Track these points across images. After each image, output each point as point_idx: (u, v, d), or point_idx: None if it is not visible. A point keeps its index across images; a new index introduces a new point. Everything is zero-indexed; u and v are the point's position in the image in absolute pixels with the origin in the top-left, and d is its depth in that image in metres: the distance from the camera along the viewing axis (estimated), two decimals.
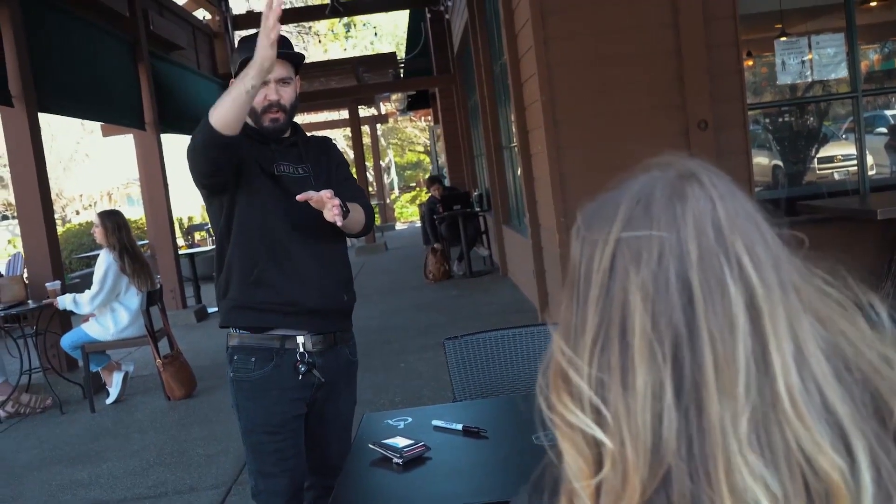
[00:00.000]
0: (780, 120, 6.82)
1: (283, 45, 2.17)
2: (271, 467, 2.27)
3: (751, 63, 6.56)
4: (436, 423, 2.04)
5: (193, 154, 2.10)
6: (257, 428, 2.28)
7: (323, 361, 2.30)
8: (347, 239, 2.45)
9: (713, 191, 0.70)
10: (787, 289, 0.67)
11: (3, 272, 9.93)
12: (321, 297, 2.28)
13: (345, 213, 2.12)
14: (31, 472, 4.61)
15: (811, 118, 6.82)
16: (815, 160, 6.91)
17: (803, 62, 5.85)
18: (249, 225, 2.24)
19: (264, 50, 1.93)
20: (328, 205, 2.07)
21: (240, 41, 2.31)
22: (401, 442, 1.90)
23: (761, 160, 6.91)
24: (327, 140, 2.51)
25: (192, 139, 2.10)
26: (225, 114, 2.01)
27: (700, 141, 5.35)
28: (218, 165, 2.12)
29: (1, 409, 5.83)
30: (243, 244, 2.25)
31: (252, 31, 2.28)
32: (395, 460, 1.83)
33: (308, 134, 2.46)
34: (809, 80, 6.09)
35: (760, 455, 0.62)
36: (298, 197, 2.08)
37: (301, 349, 2.26)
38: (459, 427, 1.99)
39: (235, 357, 2.30)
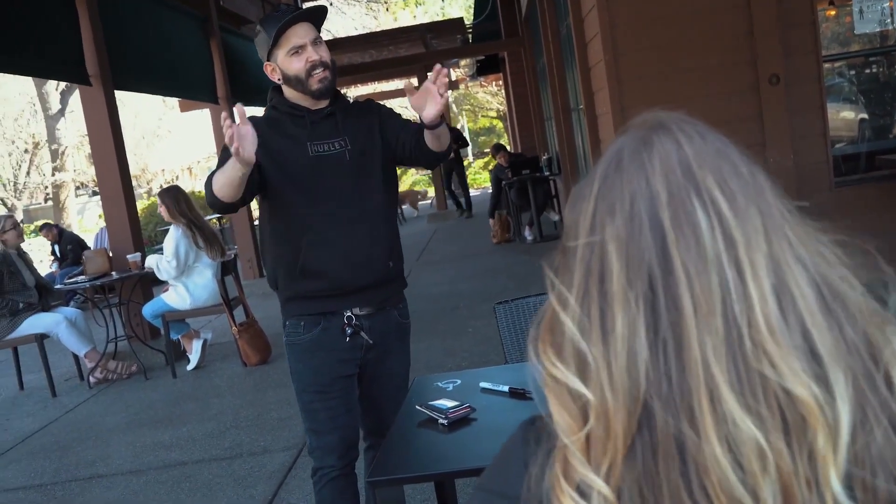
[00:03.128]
0: (867, 71, 6.52)
1: (293, 10, 2.27)
2: (323, 425, 2.35)
3: (833, 13, 6.27)
4: (483, 384, 2.07)
5: (210, 205, 2.22)
6: (308, 388, 2.36)
7: (370, 324, 2.36)
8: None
9: (679, 134, 0.72)
10: (770, 219, 0.68)
11: (92, 245, 10.42)
12: (368, 273, 2.31)
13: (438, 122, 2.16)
14: (117, 435, 4.86)
15: None
16: None
17: (883, 9, 5.57)
18: (287, 218, 2.30)
19: (234, 154, 1.97)
20: (435, 87, 2.07)
21: (260, 20, 2.35)
22: (447, 403, 1.94)
23: (846, 114, 6.64)
24: (370, 102, 2.49)
25: (205, 190, 2.22)
26: (222, 190, 2.14)
27: (771, 97, 5.17)
28: (236, 206, 2.23)
29: (91, 376, 6.14)
30: (282, 237, 2.32)
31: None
32: (441, 421, 1.87)
33: (351, 99, 2.48)
34: (891, 27, 5.79)
35: (739, 387, 0.62)
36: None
37: (349, 313, 2.33)
38: (506, 388, 2.02)
39: (287, 323, 2.40)
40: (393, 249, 2.40)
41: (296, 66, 2.25)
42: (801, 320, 0.64)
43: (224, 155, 2.23)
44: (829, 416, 0.61)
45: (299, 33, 2.24)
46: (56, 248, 10.76)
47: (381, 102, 2.52)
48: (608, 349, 0.67)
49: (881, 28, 5.71)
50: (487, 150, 30.13)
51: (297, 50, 2.24)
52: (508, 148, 13.61)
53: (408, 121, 2.44)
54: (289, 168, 2.28)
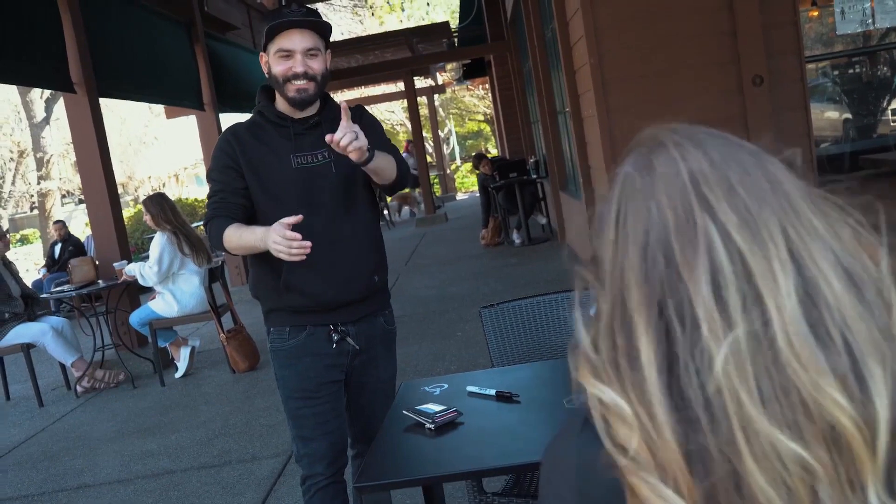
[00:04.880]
0: (849, 72, 6.56)
1: (309, 14, 2.22)
2: (310, 432, 2.32)
3: (816, 13, 6.31)
4: (470, 388, 2.07)
5: (215, 247, 2.30)
6: (294, 394, 2.33)
7: (357, 330, 2.35)
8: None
9: (676, 151, 0.72)
10: (788, 215, 0.66)
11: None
12: (352, 290, 2.31)
13: (369, 155, 2.12)
14: (105, 444, 4.83)
15: (882, 69, 6.54)
16: (889, 112, 6.64)
17: (864, 9, 5.61)
18: None
19: (273, 245, 2.00)
20: (343, 145, 2.05)
21: (267, 14, 2.33)
22: (434, 408, 1.94)
23: (830, 114, 6.68)
24: (357, 109, 2.43)
25: (207, 230, 2.26)
26: (236, 251, 2.22)
27: (755, 97, 5.20)
28: None
29: (78, 385, 6.10)
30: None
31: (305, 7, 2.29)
32: (428, 426, 1.87)
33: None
34: (872, 28, 5.83)
35: (772, 404, 0.61)
36: (328, 138, 2.07)
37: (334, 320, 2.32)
38: (493, 392, 2.01)
39: (272, 330, 2.37)
40: (378, 263, 2.39)
41: (280, 67, 2.23)
42: (833, 317, 0.62)
43: (222, 178, 2.26)
44: (865, 419, 0.60)
45: (293, 39, 2.21)
46: (57, 248, 10.82)
47: (367, 108, 2.50)
48: (636, 374, 0.67)
49: (863, 28, 5.76)
50: (475, 153, 30.17)
51: (285, 54, 2.22)
52: (494, 151, 13.62)
53: (381, 138, 2.37)
54: (270, 181, 2.26)
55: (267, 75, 2.30)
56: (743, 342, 0.62)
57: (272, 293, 2.31)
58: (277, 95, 2.31)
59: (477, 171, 11.54)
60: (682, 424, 0.64)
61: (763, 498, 0.61)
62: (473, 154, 12.57)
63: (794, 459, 0.60)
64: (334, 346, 2.31)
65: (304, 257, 1.99)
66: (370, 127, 2.38)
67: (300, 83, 2.22)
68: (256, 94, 2.38)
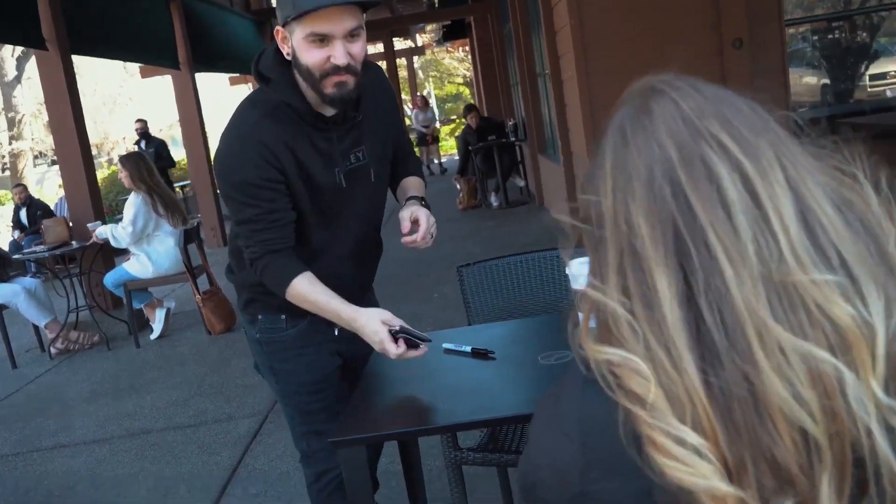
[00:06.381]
0: (828, 36, 6.56)
1: None
2: (324, 425, 2.06)
3: None
4: (446, 346, 2.07)
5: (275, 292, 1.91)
6: (302, 388, 2.08)
7: None
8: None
9: (673, 93, 0.74)
10: (781, 147, 0.70)
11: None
12: (352, 294, 2.02)
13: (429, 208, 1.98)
14: (80, 405, 4.81)
15: (861, 33, 6.54)
16: (866, 77, 6.66)
17: None
18: (304, 244, 1.93)
19: (378, 345, 1.80)
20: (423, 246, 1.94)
21: None
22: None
23: (808, 79, 6.69)
24: (376, 79, 1.97)
25: (259, 274, 1.88)
26: (303, 305, 1.88)
27: (735, 61, 5.20)
28: None
29: (52, 346, 6.05)
30: None
31: None
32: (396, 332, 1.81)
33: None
34: None
35: (784, 317, 0.64)
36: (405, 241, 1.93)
37: None
38: (469, 349, 2.02)
39: (260, 317, 2.05)
40: (380, 256, 2.23)
41: (313, 57, 1.71)
42: (829, 238, 0.66)
43: (267, 196, 1.79)
44: (866, 331, 0.63)
45: (332, 20, 1.67)
46: (23, 212, 10.60)
47: None
48: (654, 313, 0.68)
49: None
50: (454, 116, 30.05)
51: (321, 39, 1.69)
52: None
53: (402, 136, 2.17)
54: (317, 194, 1.87)
55: (287, 56, 1.78)
56: (755, 261, 0.66)
57: (271, 297, 1.95)
58: (298, 78, 1.79)
59: (463, 119, 11.51)
60: (700, 355, 0.66)
61: (783, 407, 0.63)
62: (465, 105, 12.48)
63: (804, 359, 0.63)
64: (336, 331, 2.03)
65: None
66: (394, 123, 2.11)
67: (340, 77, 1.73)
68: (259, 60, 1.87)
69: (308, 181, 1.84)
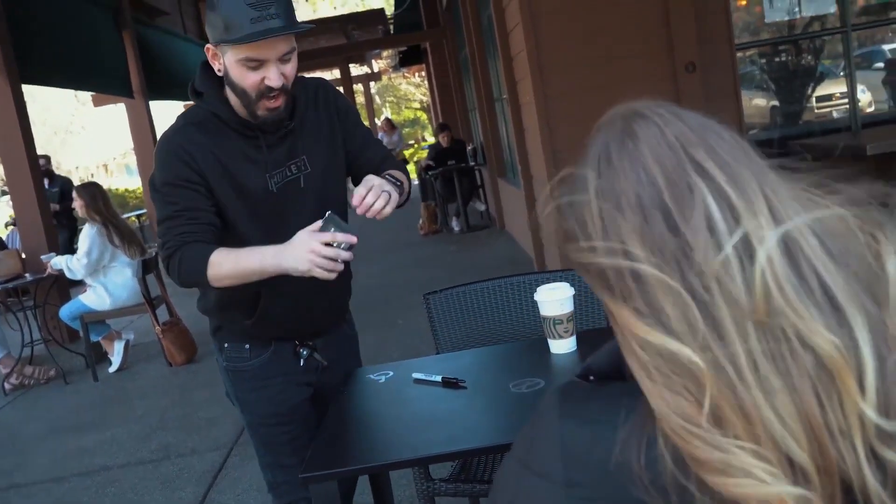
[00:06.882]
0: (776, 60, 6.73)
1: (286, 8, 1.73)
2: (288, 458, 2.06)
3: (744, 2, 6.45)
4: (416, 375, 2.06)
5: (181, 284, 1.86)
6: (266, 420, 2.06)
7: (323, 342, 2.11)
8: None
9: (657, 118, 0.74)
10: (763, 177, 0.70)
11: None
12: (327, 318, 2.11)
13: (398, 187, 1.86)
14: (37, 442, 4.68)
15: (807, 56, 6.72)
16: (813, 99, 6.83)
17: None
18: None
19: (304, 264, 1.66)
20: (377, 210, 1.79)
21: None
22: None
23: (758, 101, 6.84)
24: (319, 89, 2.02)
25: (174, 270, 1.81)
26: (224, 279, 1.78)
27: (688, 84, 5.30)
28: None
29: (6, 382, 5.89)
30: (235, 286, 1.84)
31: None
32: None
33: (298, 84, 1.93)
34: (798, 16, 5.99)
35: (768, 349, 0.64)
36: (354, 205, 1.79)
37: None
38: (439, 378, 2.01)
39: (226, 345, 2.06)
40: (349, 283, 2.19)
41: (247, 80, 1.76)
42: (813, 269, 0.66)
43: (183, 195, 1.79)
44: (853, 362, 0.63)
45: (267, 44, 1.71)
46: None
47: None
48: (665, 339, 0.67)
49: (790, 17, 5.91)
50: (412, 141, 30.14)
51: (257, 65, 1.75)
52: (431, 139, 13.56)
53: (362, 131, 2.08)
54: (248, 200, 1.87)
55: (218, 72, 1.83)
56: (743, 294, 0.65)
57: (237, 318, 1.98)
58: (229, 91, 1.84)
59: (422, 153, 11.45)
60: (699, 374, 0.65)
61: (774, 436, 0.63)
62: (438, 123, 12.34)
63: (793, 399, 0.63)
64: (302, 362, 2.05)
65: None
66: (352, 119, 2.05)
67: (272, 101, 1.79)
68: (194, 79, 1.91)
69: (239, 189, 1.86)
